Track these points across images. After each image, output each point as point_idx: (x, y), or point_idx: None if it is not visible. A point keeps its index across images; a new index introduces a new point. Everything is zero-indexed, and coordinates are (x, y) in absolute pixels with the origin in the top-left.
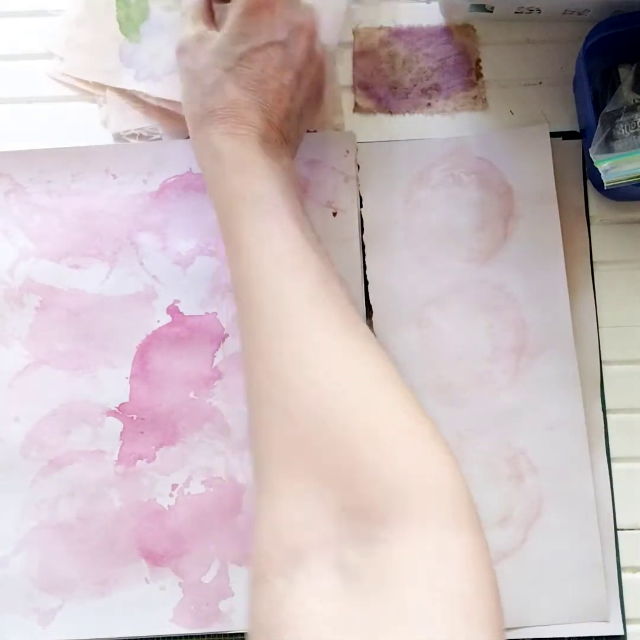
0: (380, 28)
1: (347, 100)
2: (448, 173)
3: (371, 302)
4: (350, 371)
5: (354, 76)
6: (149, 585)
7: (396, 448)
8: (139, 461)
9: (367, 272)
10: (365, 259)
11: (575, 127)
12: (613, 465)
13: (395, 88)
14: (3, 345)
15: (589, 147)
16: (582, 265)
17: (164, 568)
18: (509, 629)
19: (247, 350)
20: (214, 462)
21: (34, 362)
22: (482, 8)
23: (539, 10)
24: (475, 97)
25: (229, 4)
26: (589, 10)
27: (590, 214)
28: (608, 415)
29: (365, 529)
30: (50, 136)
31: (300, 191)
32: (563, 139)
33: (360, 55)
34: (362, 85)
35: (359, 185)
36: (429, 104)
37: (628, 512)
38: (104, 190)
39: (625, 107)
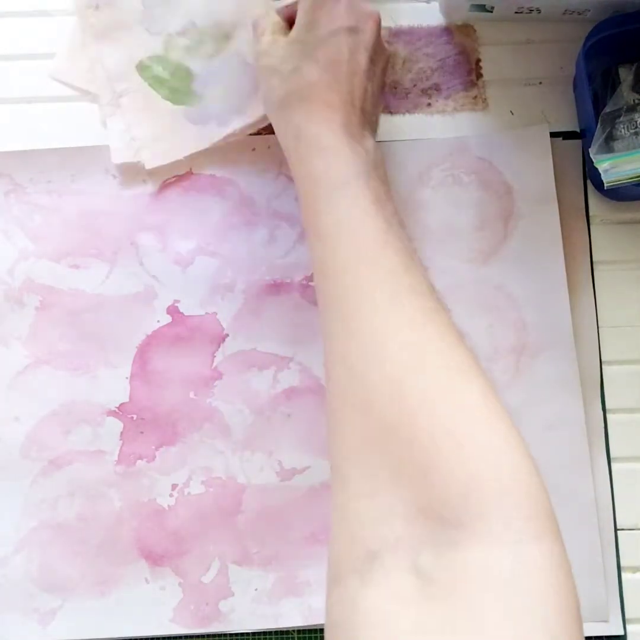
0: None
1: None
2: (448, 173)
3: None
4: (429, 366)
5: None
6: (149, 585)
7: (474, 448)
8: (139, 461)
9: None
10: None
11: (575, 127)
12: (613, 465)
13: (395, 88)
14: (3, 345)
15: (589, 147)
16: (582, 265)
17: (164, 568)
18: None
19: (326, 342)
20: (214, 462)
21: (34, 362)
22: (482, 8)
23: (539, 10)
24: (475, 97)
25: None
26: (589, 10)
27: (590, 214)
28: (608, 415)
29: (440, 530)
30: (50, 136)
31: (384, 172)
32: (563, 139)
33: None
34: None
35: None
36: (429, 104)
37: (628, 512)
38: (104, 190)
39: (625, 107)
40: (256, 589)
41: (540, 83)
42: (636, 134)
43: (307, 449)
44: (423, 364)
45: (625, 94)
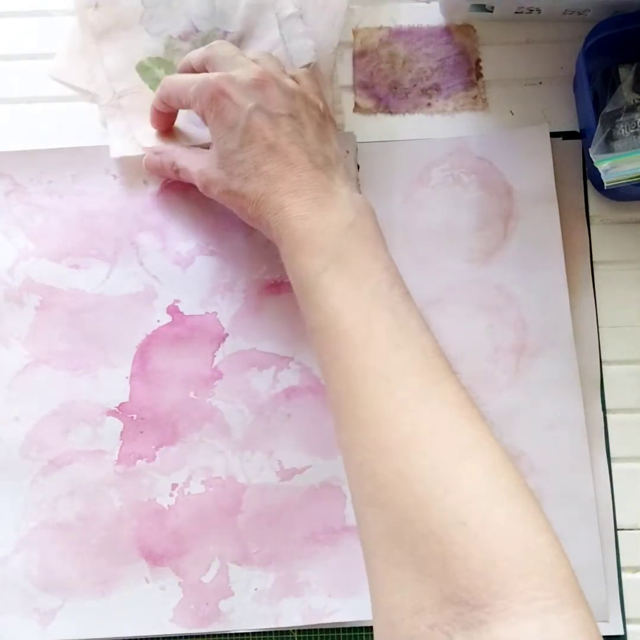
0: (380, 28)
1: (347, 100)
2: (448, 173)
3: None
4: (430, 452)
5: (354, 76)
6: (149, 585)
7: (488, 535)
8: (139, 461)
9: None
10: None
11: (575, 127)
12: (613, 465)
13: (395, 88)
14: (3, 345)
15: (589, 147)
16: (582, 265)
17: (164, 568)
18: None
19: (336, 426)
20: (214, 462)
21: (34, 362)
22: (482, 8)
23: (539, 10)
24: (475, 97)
25: None
26: (589, 10)
27: (590, 214)
28: (608, 415)
29: (469, 613)
30: (50, 136)
31: (371, 223)
32: (563, 139)
33: (360, 55)
34: (362, 85)
35: (359, 185)
36: (429, 104)
37: (628, 512)
38: (105, 190)
39: (625, 107)
40: (256, 589)
41: (540, 83)
42: (636, 134)
43: (307, 448)
44: (424, 451)
45: (625, 94)
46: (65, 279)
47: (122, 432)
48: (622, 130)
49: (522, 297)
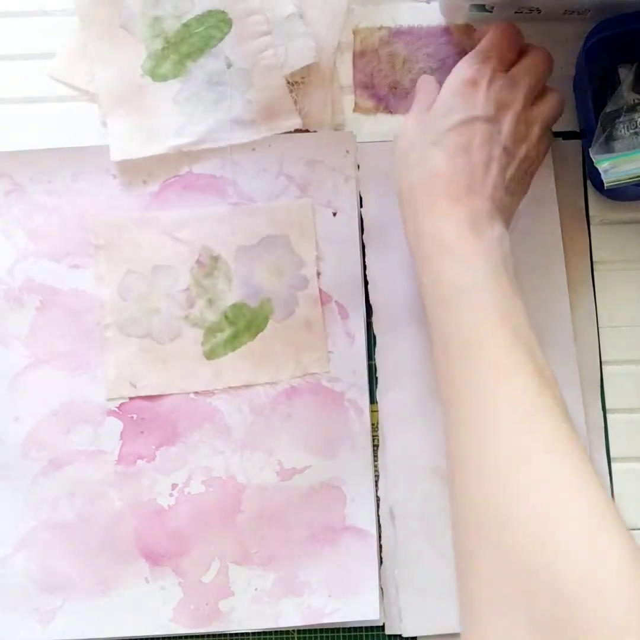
0: (380, 28)
1: (347, 100)
2: None
3: (371, 301)
4: (563, 508)
5: (354, 76)
6: (149, 585)
7: (618, 602)
8: (139, 461)
9: (367, 272)
10: (365, 259)
11: (575, 127)
12: (613, 465)
13: (395, 88)
14: (3, 345)
15: (589, 147)
16: (582, 265)
17: (164, 568)
18: None
19: (454, 464)
20: (214, 462)
21: (34, 362)
22: (482, 8)
23: (539, 10)
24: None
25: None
26: (589, 10)
27: (590, 214)
28: (608, 415)
29: None
30: (50, 136)
31: (511, 263)
32: (563, 139)
33: (361, 55)
34: (362, 85)
35: (358, 185)
36: None
37: (628, 512)
38: (104, 190)
39: (625, 107)
40: (256, 589)
41: None
42: (636, 134)
43: (307, 448)
44: (557, 506)
45: (625, 94)
46: (65, 279)
47: (122, 432)
48: (622, 130)
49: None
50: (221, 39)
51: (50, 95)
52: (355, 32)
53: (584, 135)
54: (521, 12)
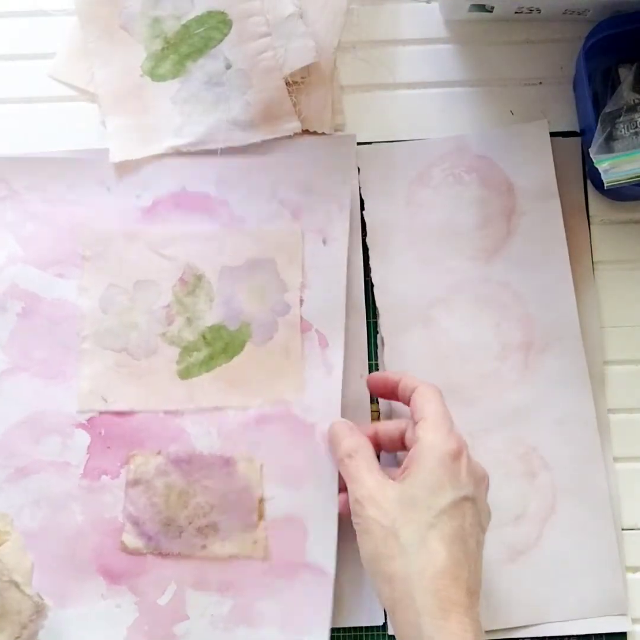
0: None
1: (347, 100)
2: (448, 172)
3: (377, 304)
4: None
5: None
6: (105, 602)
7: None
8: (103, 476)
9: (371, 274)
10: (369, 262)
11: (575, 127)
12: (616, 465)
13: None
14: None
15: (589, 147)
16: (583, 264)
17: (121, 586)
18: (526, 627)
19: None
20: None
21: (11, 368)
22: (482, 8)
23: (539, 10)
24: (255, 542)
25: (411, 452)
26: (589, 10)
27: (591, 213)
28: (610, 416)
29: None
30: (49, 136)
31: None
32: (563, 138)
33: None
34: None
35: (361, 190)
36: (203, 546)
37: (632, 512)
38: (97, 201)
39: (625, 107)
40: (212, 615)
41: (540, 83)
42: (636, 134)
43: (272, 477)
44: None
45: (625, 94)
46: (49, 287)
47: (89, 446)
48: (622, 130)
49: (527, 293)
50: (221, 40)
51: (50, 95)
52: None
53: (584, 135)
54: (521, 12)
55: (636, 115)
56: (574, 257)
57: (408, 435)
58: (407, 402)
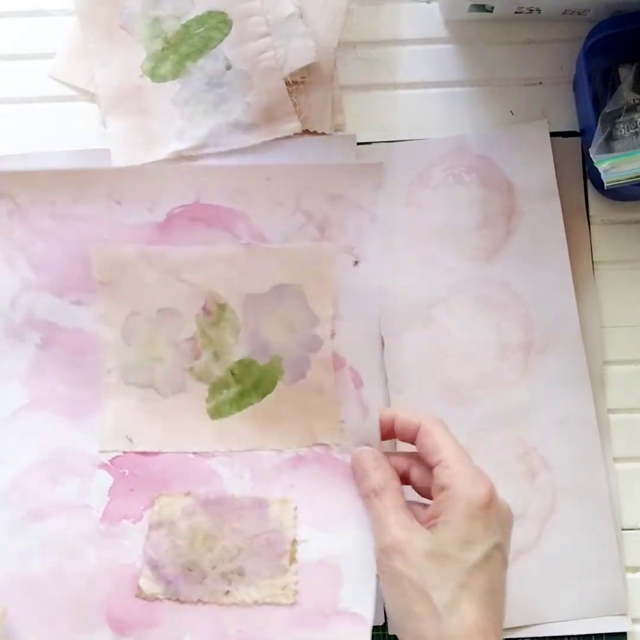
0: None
1: (346, 100)
2: (448, 172)
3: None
4: None
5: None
6: None
7: None
8: (124, 520)
9: None
10: None
11: (575, 127)
12: (616, 465)
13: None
14: (2, 382)
15: (589, 147)
16: (583, 265)
17: (129, 637)
18: (526, 627)
19: None
20: None
21: (30, 403)
22: (482, 8)
23: (539, 10)
24: (284, 588)
25: (439, 499)
26: (589, 10)
27: (591, 213)
28: (610, 416)
29: None
30: (50, 136)
31: None
32: (563, 138)
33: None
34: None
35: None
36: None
37: (632, 512)
38: (107, 216)
39: (625, 107)
40: None
41: (540, 83)
42: (636, 134)
43: (307, 521)
44: None
45: (625, 94)
46: (67, 315)
47: (111, 488)
48: (622, 130)
49: (527, 293)
50: (221, 40)
51: (50, 95)
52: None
53: (584, 135)
54: (521, 12)
55: (636, 115)
56: (574, 257)
57: (415, 476)
58: (410, 441)
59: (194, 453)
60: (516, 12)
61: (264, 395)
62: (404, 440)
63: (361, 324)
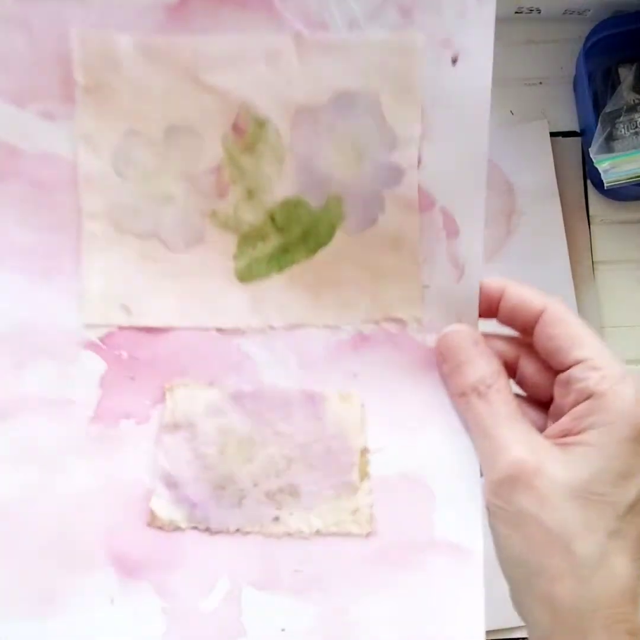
0: None
1: None
2: None
3: None
4: None
5: None
6: (114, 608)
7: None
8: (124, 421)
9: None
10: None
11: (575, 127)
12: None
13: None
14: None
15: (589, 147)
16: (583, 265)
17: (141, 582)
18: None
19: None
20: None
21: None
22: None
23: (539, 10)
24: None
25: (582, 411)
26: (589, 10)
27: (591, 213)
28: None
29: None
30: None
31: None
32: (563, 138)
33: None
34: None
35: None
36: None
37: None
38: None
39: (625, 107)
40: (283, 630)
41: (540, 83)
42: (636, 134)
43: (380, 422)
44: None
45: (625, 94)
46: (31, 134)
47: (103, 377)
48: (622, 130)
49: None
50: None
51: None
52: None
53: (584, 134)
54: (521, 12)
55: (636, 115)
56: (574, 257)
57: (526, 370)
58: (522, 328)
59: (218, 329)
60: (516, 12)
61: (315, 250)
62: (511, 325)
63: (462, 147)
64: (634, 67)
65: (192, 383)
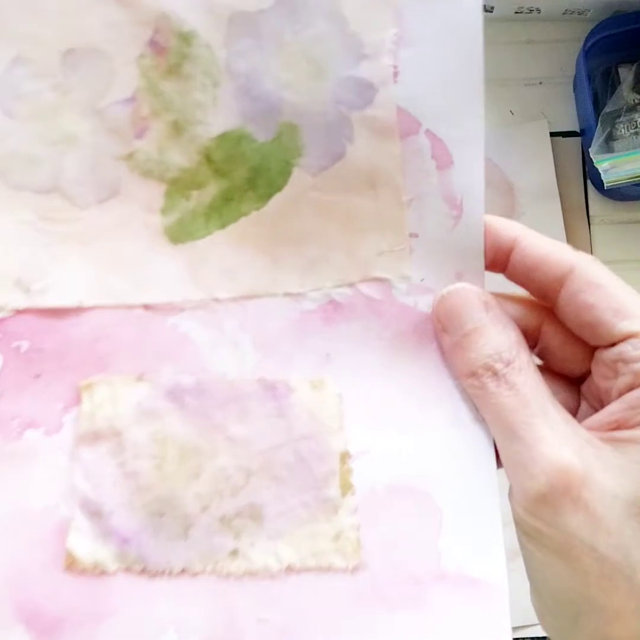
0: None
1: None
2: None
3: None
4: None
5: None
6: None
7: None
8: (29, 431)
9: None
10: None
11: (575, 126)
12: None
13: None
14: None
15: (589, 147)
16: None
17: None
18: (526, 627)
19: None
20: None
21: None
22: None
23: (539, 10)
24: (337, 538)
25: (634, 400)
26: (589, 10)
27: (591, 213)
28: None
29: None
30: None
31: None
32: (563, 138)
33: None
34: None
35: None
36: None
37: None
38: None
39: (625, 107)
40: None
41: (540, 83)
42: (636, 134)
43: (363, 418)
44: None
45: (625, 94)
46: None
47: None
48: (622, 130)
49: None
50: None
51: None
52: None
53: (584, 135)
54: (521, 12)
55: (636, 115)
56: None
57: (551, 341)
58: (542, 290)
59: (146, 306)
60: (516, 12)
61: (267, 197)
62: (524, 285)
63: (449, 54)
64: (634, 67)
65: (115, 378)
